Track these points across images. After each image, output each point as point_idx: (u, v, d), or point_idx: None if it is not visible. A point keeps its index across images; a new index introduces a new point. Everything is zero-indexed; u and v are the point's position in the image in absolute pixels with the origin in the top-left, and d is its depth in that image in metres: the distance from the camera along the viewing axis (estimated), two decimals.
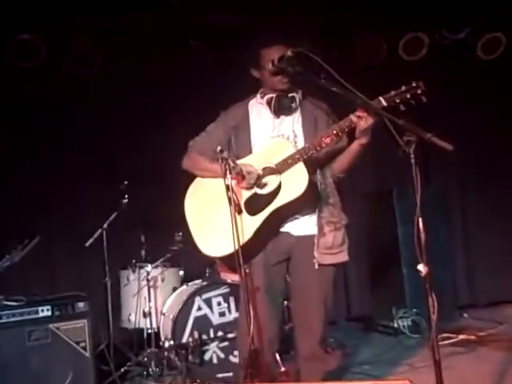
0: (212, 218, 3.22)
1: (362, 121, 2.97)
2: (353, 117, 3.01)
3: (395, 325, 5.68)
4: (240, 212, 3.00)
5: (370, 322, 6.23)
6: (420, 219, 2.64)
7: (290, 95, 3.28)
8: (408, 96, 2.88)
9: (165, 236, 5.08)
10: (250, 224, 3.09)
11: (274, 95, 3.27)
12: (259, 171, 3.14)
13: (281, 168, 3.11)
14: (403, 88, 2.91)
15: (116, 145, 5.94)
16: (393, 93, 2.92)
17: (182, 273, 5.24)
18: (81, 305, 4.29)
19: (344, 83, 2.91)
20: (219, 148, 2.96)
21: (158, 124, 5.89)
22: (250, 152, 3.28)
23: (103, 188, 5.50)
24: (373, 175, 6.61)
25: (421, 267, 2.65)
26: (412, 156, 2.62)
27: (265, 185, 3.14)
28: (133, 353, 4.99)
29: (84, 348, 4.21)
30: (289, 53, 3.10)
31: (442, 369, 2.70)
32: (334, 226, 3.24)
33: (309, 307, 3.25)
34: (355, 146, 3.14)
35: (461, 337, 5.22)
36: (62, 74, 5.82)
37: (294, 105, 3.28)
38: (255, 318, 3.02)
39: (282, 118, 3.30)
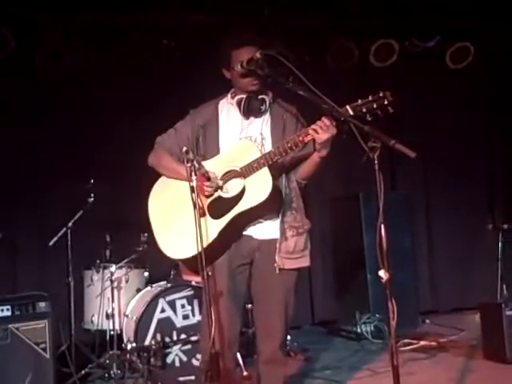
0: (175, 219, 3.19)
1: (320, 133, 2.97)
2: (310, 130, 3.00)
3: (358, 330, 5.72)
4: (203, 215, 2.98)
5: (334, 326, 6.26)
6: (382, 225, 2.65)
7: (260, 97, 3.26)
8: (374, 106, 2.86)
9: (130, 236, 5.03)
10: (213, 227, 3.07)
11: (244, 96, 3.25)
12: (219, 181, 3.12)
13: (245, 172, 3.09)
14: (370, 98, 2.89)
15: (82, 143, 5.88)
16: (360, 102, 2.90)
17: (146, 274, 5.20)
18: (42, 305, 4.21)
19: (311, 87, 2.91)
20: (185, 149, 2.93)
21: (125, 122, 5.87)
22: (218, 152, 3.25)
23: (69, 186, 5.42)
24: (340, 180, 6.66)
25: (382, 273, 2.66)
26: (375, 162, 2.63)
27: (229, 188, 3.13)
28: (95, 355, 4.92)
29: (44, 349, 4.14)
30: (258, 55, 3.08)
31: (400, 374, 2.70)
32: (297, 230, 3.23)
33: (270, 311, 3.24)
34: (315, 157, 3.14)
35: (422, 343, 5.28)
36: (30, 68, 5.74)
37: (263, 107, 3.26)
38: (217, 320, 3.01)
39: (251, 119, 3.29)
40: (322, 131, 2.96)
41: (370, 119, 2.84)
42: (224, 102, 3.37)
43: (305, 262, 3.27)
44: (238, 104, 3.26)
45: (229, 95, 3.35)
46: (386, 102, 2.85)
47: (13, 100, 5.74)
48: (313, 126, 2.99)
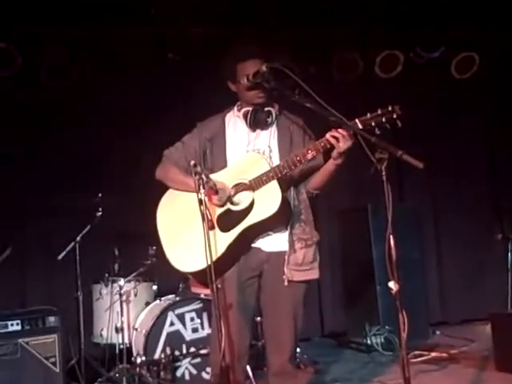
0: (183, 232, 3.19)
1: (340, 142, 2.97)
2: (329, 137, 3.00)
3: (368, 342, 5.69)
4: (212, 228, 2.99)
5: (344, 338, 6.23)
6: (391, 236, 2.64)
7: (266, 109, 3.27)
8: (383, 120, 2.87)
9: (138, 250, 5.03)
10: (223, 240, 3.07)
11: (250, 109, 3.26)
12: (230, 191, 3.13)
13: (254, 185, 3.09)
14: (379, 111, 2.89)
15: (90, 157, 5.89)
16: (369, 115, 2.91)
17: (155, 287, 5.20)
18: (51, 319, 4.24)
19: (318, 99, 2.92)
20: (193, 162, 2.94)
21: (133, 136, 5.87)
22: (225, 165, 3.26)
23: (76, 200, 5.43)
24: (348, 192, 6.65)
25: (391, 284, 2.65)
26: (383, 173, 2.63)
27: (238, 201, 3.13)
28: (104, 368, 4.91)
29: (54, 363, 4.16)
30: (264, 68, 3.10)
31: None
32: (305, 242, 3.22)
33: (279, 324, 3.23)
34: (330, 166, 3.14)
35: (432, 354, 5.24)
36: (37, 84, 5.77)
37: (270, 119, 3.27)
38: (226, 333, 3.00)
39: (258, 132, 3.29)
40: (343, 140, 2.96)
41: (378, 132, 2.85)
42: (231, 114, 3.38)
43: (314, 275, 3.27)
44: (245, 117, 3.27)
45: (235, 108, 3.37)
46: (394, 116, 2.86)
47: (21, 115, 5.77)
48: (331, 134, 2.99)
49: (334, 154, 3.04)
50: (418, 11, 6.08)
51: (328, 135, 3.00)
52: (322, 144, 3.03)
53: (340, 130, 2.97)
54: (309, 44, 6.30)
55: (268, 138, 3.29)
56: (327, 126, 3.02)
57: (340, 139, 2.96)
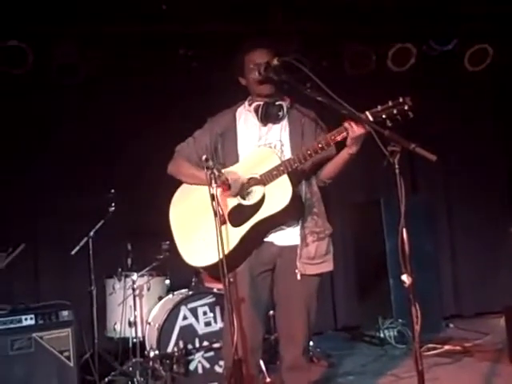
0: (196, 227, 3.20)
1: (355, 128, 2.96)
2: (346, 124, 2.98)
3: (381, 335, 5.69)
4: (224, 223, 2.99)
5: (357, 332, 6.23)
6: (404, 229, 2.63)
7: (277, 103, 3.27)
8: (394, 112, 2.85)
9: (151, 245, 5.04)
10: (234, 234, 3.08)
11: (261, 103, 3.26)
12: (244, 179, 3.13)
13: (265, 179, 3.10)
14: (390, 103, 2.88)
15: (103, 153, 5.91)
16: (379, 108, 2.90)
17: (168, 282, 5.22)
18: (65, 313, 4.26)
19: (330, 93, 2.91)
20: (204, 157, 2.94)
21: (145, 132, 5.88)
22: (237, 160, 3.26)
23: (90, 196, 5.46)
24: (361, 185, 6.63)
25: (404, 277, 2.64)
26: (396, 166, 2.62)
27: (249, 195, 3.13)
28: (118, 362, 4.94)
29: (68, 357, 4.19)
30: (275, 61, 3.10)
31: (425, 379, 2.68)
32: (318, 236, 3.22)
33: (292, 317, 3.24)
34: (344, 154, 3.13)
35: (446, 347, 5.23)
36: (48, 81, 5.79)
37: (281, 113, 3.26)
38: (239, 327, 3.01)
39: (270, 126, 3.29)
40: (357, 126, 2.95)
41: (390, 125, 2.83)
42: (242, 109, 3.38)
43: (327, 267, 3.27)
44: (256, 111, 3.26)
45: (246, 103, 3.36)
46: (406, 108, 2.84)
47: (34, 112, 5.80)
48: (348, 121, 2.97)
49: (348, 141, 3.03)
50: (430, 3, 6.03)
51: (346, 123, 2.98)
52: (333, 137, 3.02)
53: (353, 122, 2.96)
54: (320, 38, 6.27)
55: (279, 131, 3.28)
56: (339, 119, 3.01)
57: (353, 125, 2.95)
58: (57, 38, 5.65)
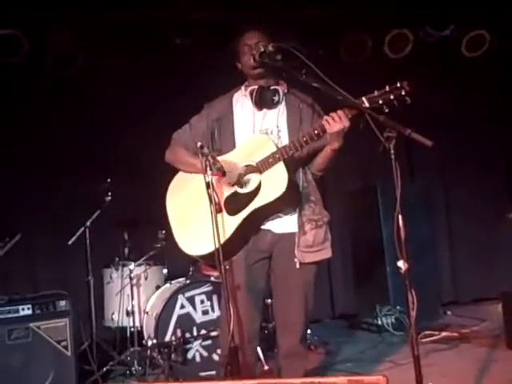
0: (193, 216, 3.18)
1: (331, 124, 2.93)
2: (323, 121, 2.97)
3: (379, 322, 5.70)
4: (220, 211, 2.97)
5: (354, 319, 6.24)
6: (400, 215, 2.63)
7: (272, 88, 3.24)
8: (391, 97, 2.82)
9: (148, 234, 5.04)
10: (231, 222, 3.07)
11: (256, 87, 3.23)
12: (241, 170, 3.11)
13: (261, 167, 3.07)
14: (387, 88, 2.85)
15: (99, 142, 5.88)
16: (376, 93, 2.87)
17: (165, 271, 5.21)
18: (62, 303, 4.25)
19: (325, 79, 2.89)
20: (199, 143, 2.93)
21: (141, 121, 5.86)
22: (234, 146, 3.23)
23: (86, 185, 5.43)
24: (357, 172, 6.62)
25: (401, 264, 2.64)
26: (392, 152, 2.61)
27: (246, 183, 3.11)
28: (116, 352, 4.94)
29: (65, 347, 4.17)
30: (270, 47, 3.08)
31: (422, 365, 2.69)
32: (316, 223, 3.20)
33: (289, 305, 3.23)
34: (327, 150, 3.11)
35: (443, 334, 5.24)
36: (44, 70, 5.76)
37: (276, 98, 3.23)
38: (236, 315, 3.01)
39: (265, 111, 3.25)
40: (334, 122, 2.93)
41: (386, 111, 2.81)
42: (239, 94, 3.35)
43: (325, 254, 3.26)
44: (251, 95, 3.24)
45: (243, 87, 3.34)
46: (403, 93, 2.81)
47: (28, 101, 5.76)
48: (325, 117, 2.97)
49: (328, 137, 3.01)
50: None
51: (323, 120, 2.97)
52: (315, 131, 3.00)
53: (338, 111, 2.93)
54: (316, 25, 6.23)
55: (276, 117, 3.25)
56: (335, 105, 2.99)
57: (330, 121, 2.93)
58: (53, 27, 5.60)
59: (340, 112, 2.93)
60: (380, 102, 2.85)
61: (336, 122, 2.92)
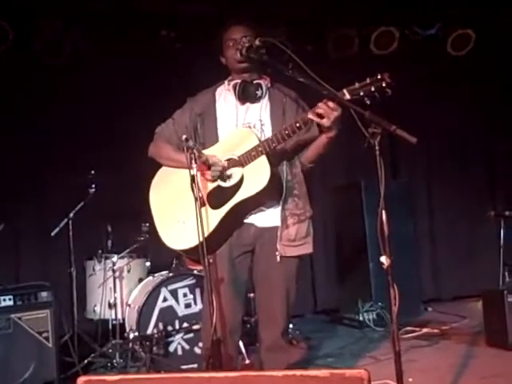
0: (175, 210, 3.18)
1: (324, 118, 2.94)
2: (311, 115, 2.96)
3: (361, 318, 5.72)
4: (203, 205, 2.97)
5: (336, 314, 6.27)
6: (383, 211, 2.64)
7: (255, 82, 3.24)
8: (372, 89, 2.81)
9: (131, 226, 5.02)
10: (214, 216, 3.07)
11: (239, 81, 3.23)
12: (224, 163, 3.11)
13: (244, 160, 3.07)
14: (368, 80, 2.84)
15: (83, 133, 5.86)
16: (357, 85, 2.86)
17: (148, 264, 5.21)
18: (44, 294, 4.23)
19: (311, 74, 2.89)
20: (184, 136, 2.92)
21: (126, 113, 5.83)
22: (217, 140, 3.23)
23: (70, 177, 5.41)
24: (341, 167, 6.65)
25: (383, 259, 2.65)
26: (376, 148, 2.62)
27: (228, 177, 3.11)
28: (97, 344, 4.93)
29: (47, 338, 4.16)
30: (257, 42, 3.08)
31: (403, 361, 2.71)
32: (298, 218, 3.21)
33: (271, 299, 3.23)
34: (323, 138, 3.11)
35: (424, 330, 5.29)
36: (30, 59, 5.72)
37: (259, 92, 3.22)
38: (218, 308, 3.01)
39: (248, 105, 3.25)
40: (331, 111, 2.92)
41: (368, 103, 2.81)
42: (222, 88, 3.35)
43: (307, 249, 3.26)
44: (234, 89, 3.24)
45: (226, 82, 3.33)
46: (384, 84, 2.81)
47: (14, 91, 5.72)
48: (315, 110, 2.95)
49: (323, 128, 3.02)
50: None
51: (310, 114, 2.96)
52: (310, 116, 2.99)
53: (329, 103, 2.93)
54: (304, 21, 6.24)
55: (259, 111, 3.24)
56: (320, 100, 2.99)
57: (323, 114, 2.93)
58: (40, 15, 5.56)
59: (329, 103, 2.92)
60: (361, 93, 2.84)
61: (333, 110, 2.93)
